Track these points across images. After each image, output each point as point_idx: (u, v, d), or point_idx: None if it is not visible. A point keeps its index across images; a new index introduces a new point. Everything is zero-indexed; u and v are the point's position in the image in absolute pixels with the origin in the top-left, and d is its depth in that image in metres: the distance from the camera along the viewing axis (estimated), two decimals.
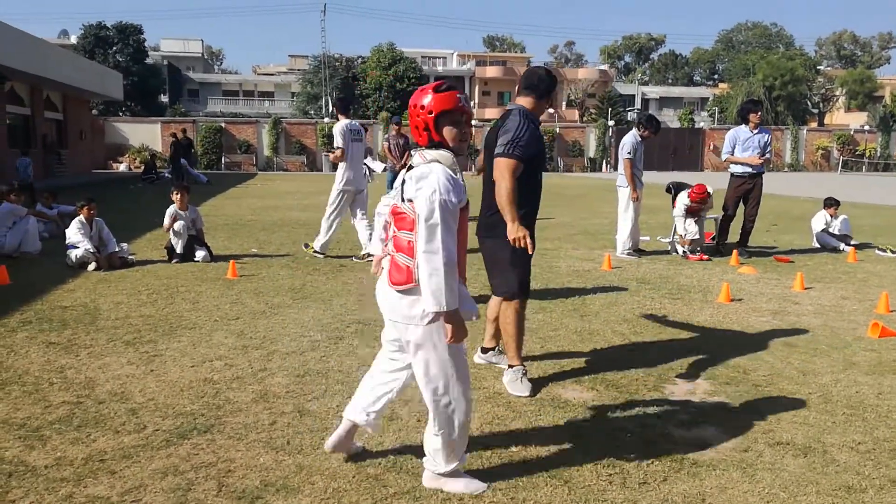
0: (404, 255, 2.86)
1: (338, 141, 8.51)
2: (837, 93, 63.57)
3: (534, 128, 4.12)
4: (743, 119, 9.28)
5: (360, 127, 8.87)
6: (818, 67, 62.28)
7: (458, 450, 3.03)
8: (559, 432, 3.61)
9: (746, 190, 9.20)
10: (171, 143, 26.15)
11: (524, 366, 4.29)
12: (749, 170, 9.12)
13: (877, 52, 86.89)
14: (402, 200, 2.88)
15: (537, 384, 4.29)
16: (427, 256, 2.75)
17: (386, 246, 3.06)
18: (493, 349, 4.67)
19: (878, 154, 43.47)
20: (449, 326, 2.82)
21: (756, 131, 9.10)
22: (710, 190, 9.28)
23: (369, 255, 8.62)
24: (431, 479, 3.05)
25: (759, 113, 9.21)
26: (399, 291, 2.88)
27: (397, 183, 3.03)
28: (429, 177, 2.81)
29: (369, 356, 4.80)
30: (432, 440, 3.02)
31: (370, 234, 8.51)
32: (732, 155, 9.22)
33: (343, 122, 8.64)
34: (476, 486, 3.03)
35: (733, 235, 9.49)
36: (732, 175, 9.33)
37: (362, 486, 3.03)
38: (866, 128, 46.37)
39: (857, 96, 62.18)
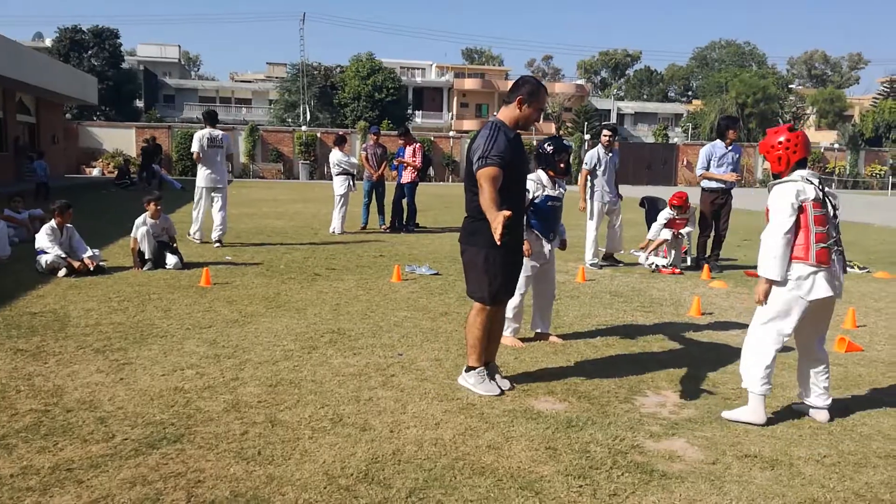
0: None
1: (193, 147, 10.25)
2: (808, 111, 64.80)
3: (505, 137, 4.15)
4: (720, 135, 9.36)
5: (222, 135, 10.49)
6: (790, 86, 63.52)
7: None
8: (531, 443, 3.63)
9: (719, 205, 9.33)
10: (143, 149, 25.94)
11: (485, 367, 4.40)
12: (722, 185, 9.25)
13: (846, 73, 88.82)
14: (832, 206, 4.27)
15: (510, 395, 4.32)
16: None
17: (818, 245, 4.16)
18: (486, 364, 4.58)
19: (847, 172, 44.37)
20: None
21: (730, 148, 9.22)
22: (689, 198, 9.47)
23: (199, 232, 10.56)
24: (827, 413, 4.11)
25: (737, 130, 9.34)
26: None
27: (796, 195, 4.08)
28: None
29: (343, 366, 4.80)
30: (825, 381, 4.11)
31: (221, 225, 10.32)
32: (707, 170, 9.31)
33: (203, 131, 10.33)
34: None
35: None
36: (704, 190, 9.43)
37: (333, 498, 3.02)
38: (836, 146, 47.28)
39: (828, 115, 63.46)
